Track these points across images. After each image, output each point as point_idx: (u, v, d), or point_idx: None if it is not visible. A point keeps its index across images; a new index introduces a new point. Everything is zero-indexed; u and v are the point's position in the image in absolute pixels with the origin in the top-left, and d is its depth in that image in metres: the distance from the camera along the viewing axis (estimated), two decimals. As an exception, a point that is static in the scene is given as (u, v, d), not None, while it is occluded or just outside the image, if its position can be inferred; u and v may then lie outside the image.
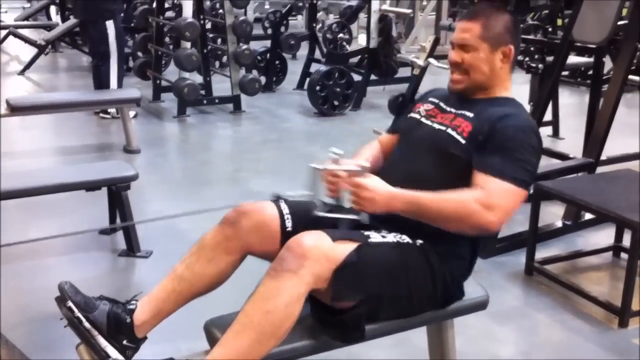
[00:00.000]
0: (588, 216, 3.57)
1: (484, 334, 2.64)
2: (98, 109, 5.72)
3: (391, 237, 1.83)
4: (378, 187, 1.79)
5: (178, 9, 6.73)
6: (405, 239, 1.85)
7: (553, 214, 3.71)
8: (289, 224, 1.94)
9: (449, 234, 1.84)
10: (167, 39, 7.08)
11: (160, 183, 4.37)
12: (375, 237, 1.81)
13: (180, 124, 5.96)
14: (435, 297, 1.88)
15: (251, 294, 1.68)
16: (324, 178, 1.90)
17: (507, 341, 2.64)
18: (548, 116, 5.33)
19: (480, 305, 2.09)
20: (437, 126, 1.97)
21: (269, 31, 8.24)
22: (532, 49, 4.81)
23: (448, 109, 2.01)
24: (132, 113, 5.85)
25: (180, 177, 4.60)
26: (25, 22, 9.77)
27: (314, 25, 7.11)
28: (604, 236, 3.49)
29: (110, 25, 5.50)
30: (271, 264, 1.71)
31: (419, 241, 1.86)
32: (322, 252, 1.68)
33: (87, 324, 1.82)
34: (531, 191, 3.18)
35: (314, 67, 6.74)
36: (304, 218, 1.93)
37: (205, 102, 6.25)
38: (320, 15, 8.57)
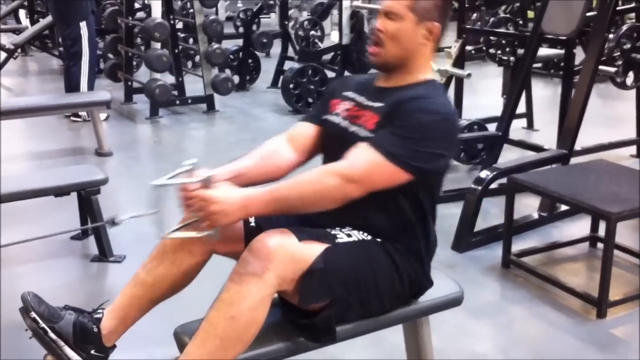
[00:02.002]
0: (564, 207, 3.57)
1: (460, 330, 2.62)
2: (68, 112, 5.62)
3: (356, 234, 1.78)
4: (227, 197, 1.64)
5: (148, 9, 6.64)
6: (368, 236, 1.80)
7: (529, 205, 3.71)
8: (251, 219, 1.88)
9: (402, 230, 1.80)
10: (138, 40, 7.00)
11: (133, 186, 4.29)
12: (341, 236, 1.75)
13: (152, 126, 5.88)
14: (404, 292, 1.85)
15: (215, 300, 1.64)
16: (178, 193, 1.72)
17: (484, 336, 2.62)
18: (522, 108, 5.35)
19: (455, 302, 2.06)
20: (352, 129, 1.85)
21: (241, 30, 8.16)
22: (503, 42, 4.81)
23: (366, 103, 1.88)
24: (103, 115, 5.78)
25: (153, 179, 4.52)
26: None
27: (286, 22, 7.06)
28: (580, 227, 3.48)
29: (83, 26, 5.42)
30: (234, 267, 1.66)
31: (378, 239, 1.81)
32: (287, 253, 1.62)
33: (52, 335, 1.78)
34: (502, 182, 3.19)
35: (288, 64, 6.70)
36: None
37: (178, 102, 6.17)
38: (292, 12, 8.51)
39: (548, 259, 3.25)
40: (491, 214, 3.67)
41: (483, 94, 6.50)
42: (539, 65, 6.45)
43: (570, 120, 3.54)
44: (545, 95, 6.72)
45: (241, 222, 1.87)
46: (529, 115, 5.43)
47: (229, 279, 1.64)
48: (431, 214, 1.88)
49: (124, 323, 1.87)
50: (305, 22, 6.35)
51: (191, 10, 6.81)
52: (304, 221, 1.84)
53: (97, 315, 1.85)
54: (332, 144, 1.91)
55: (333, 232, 1.77)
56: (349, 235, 1.77)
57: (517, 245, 3.24)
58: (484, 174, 3.33)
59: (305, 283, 1.65)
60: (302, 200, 1.68)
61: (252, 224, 1.88)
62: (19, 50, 8.54)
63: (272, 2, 7.03)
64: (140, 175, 4.58)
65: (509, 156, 4.40)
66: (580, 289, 2.84)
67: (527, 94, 5.25)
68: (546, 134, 4.93)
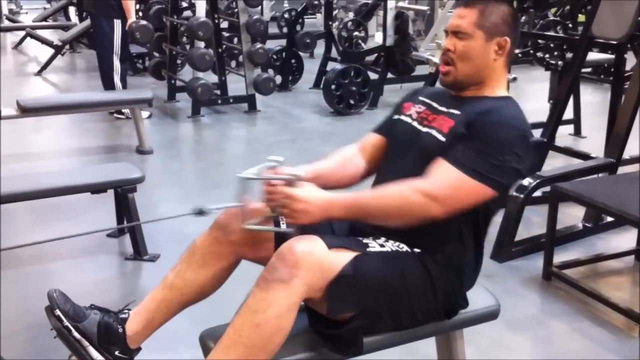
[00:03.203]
0: (609, 218, 3.44)
1: (496, 343, 2.53)
2: (111, 109, 5.69)
3: (390, 246, 1.73)
4: (311, 197, 1.67)
5: (194, 8, 6.68)
6: (404, 247, 1.75)
7: (573, 215, 3.59)
8: (283, 226, 1.82)
9: (447, 242, 1.75)
10: (184, 39, 7.05)
11: (171, 185, 4.31)
12: (373, 245, 1.71)
13: (194, 124, 5.91)
14: (437, 308, 1.78)
15: (240, 306, 1.60)
16: (263, 187, 1.75)
17: (521, 351, 2.52)
18: (570, 114, 5.21)
19: (491, 315, 1.99)
20: (425, 129, 1.84)
21: (285, 30, 8.14)
22: (551, 45, 4.68)
23: (440, 108, 1.87)
24: (146, 113, 5.85)
25: (192, 178, 4.54)
26: (43, 23, 9.81)
27: (331, 23, 7.01)
28: (626, 239, 3.35)
29: (117, 24, 5.48)
30: (261, 273, 1.62)
31: (417, 250, 1.76)
32: (316, 260, 1.58)
33: (76, 334, 1.76)
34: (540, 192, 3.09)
35: (331, 65, 6.66)
36: None
37: (219, 101, 6.19)
38: (338, 13, 8.47)
39: (591, 272, 3.13)
40: (534, 223, 3.56)
41: (530, 99, 6.34)
42: (588, 70, 6.29)
43: (618, 127, 3.40)
44: (594, 101, 6.53)
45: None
46: (576, 121, 5.28)
47: (256, 285, 1.60)
48: (484, 231, 1.84)
49: (150, 325, 1.84)
50: (349, 23, 6.29)
51: (236, 10, 6.83)
52: (342, 229, 1.81)
53: (123, 316, 1.83)
54: (399, 143, 1.91)
55: (365, 240, 1.73)
56: (382, 246, 1.72)
57: (560, 257, 3.13)
58: (527, 181, 3.22)
59: (333, 290, 1.60)
60: (384, 211, 1.68)
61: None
62: (67, 47, 8.73)
63: (316, 2, 6.98)
64: (179, 174, 4.60)
65: (554, 163, 4.28)
66: (623, 304, 2.72)
67: (575, 99, 5.09)
68: (594, 142, 4.78)
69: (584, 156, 4.05)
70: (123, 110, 5.76)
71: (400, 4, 6.14)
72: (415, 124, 1.88)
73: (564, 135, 5.22)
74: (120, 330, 1.80)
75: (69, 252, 3.28)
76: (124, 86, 5.72)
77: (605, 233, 3.49)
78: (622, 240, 3.38)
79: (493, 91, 1.85)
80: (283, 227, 1.70)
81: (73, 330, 1.75)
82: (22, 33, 9.53)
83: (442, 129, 1.78)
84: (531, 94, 6.54)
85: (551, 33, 5.05)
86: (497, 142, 1.68)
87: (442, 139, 1.76)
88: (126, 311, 1.85)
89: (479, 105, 1.78)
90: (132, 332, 1.81)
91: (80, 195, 3.29)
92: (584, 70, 6.09)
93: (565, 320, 2.71)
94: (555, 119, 3.81)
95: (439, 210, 1.66)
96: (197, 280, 1.84)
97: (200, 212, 1.80)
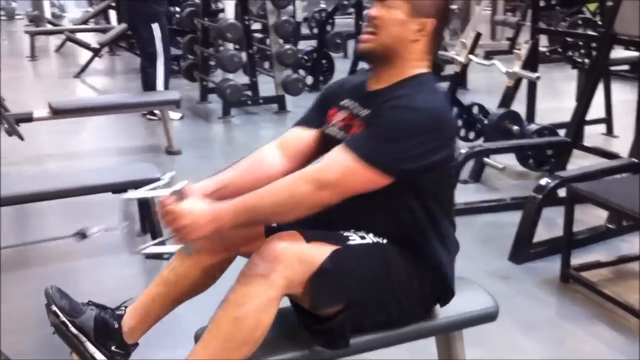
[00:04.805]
0: (634, 220, 3.36)
1: (506, 344, 2.50)
2: (145, 110, 5.78)
3: (371, 238, 1.72)
4: (195, 210, 1.60)
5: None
6: (384, 240, 1.74)
7: (597, 216, 3.51)
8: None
9: (411, 232, 1.73)
10: (220, 41, 7.11)
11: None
12: (354, 238, 1.70)
13: (224, 125, 5.97)
14: (424, 295, 1.76)
15: (222, 301, 1.62)
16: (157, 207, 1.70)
17: (531, 353, 2.49)
18: (601, 113, 5.11)
19: (489, 317, 1.97)
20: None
21: (316, 31, 8.15)
22: (580, 43, 4.60)
23: (356, 111, 1.79)
24: (178, 115, 5.93)
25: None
26: (81, 26, 10.02)
27: (361, 23, 7.00)
28: (651, 241, 3.27)
29: (155, 27, 5.56)
30: (242, 269, 1.64)
31: (396, 244, 1.74)
32: (295, 255, 1.59)
33: (73, 329, 1.80)
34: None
35: (361, 66, 6.64)
36: None
37: (249, 102, 6.24)
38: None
39: (612, 275, 3.06)
40: (557, 224, 3.49)
41: (561, 98, 6.23)
42: (625, 68, 6.15)
43: (642, 127, 3.32)
44: (629, 99, 6.36)
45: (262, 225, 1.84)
46: (608, 120, 5.16)
47: (236, 281, 1.63)
48: (445, 217, 1.79)
49: (146, 321, 1.87)
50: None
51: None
52: (321, 223, 1.77)
53: (119, 312, 1.87)
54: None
55: (346, 234, 1.72)
56: (362, 238, 1.71)
57: (581, 259, 3.08)
58: (545, 181, 3.17)
59: (314, 285, 1.61)
60: (273, 208, 1.63)
61: (274, 224, 1.84)
62: (107, 49, 8.91)
63: (346, 2, 6.97)
64: (204, 174, 4.59)
65: (582, 163, 4.20)
66: (641, 308, 2.66)
67: (606, 98, 4.99)
68: (626, 141, 4.67)
69: (613, 156, 3.98)
70: (155, 112, 5.85)
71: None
72: (341, 135, 1.79)
73: (595, 134, 5.11)
74: (117, 326, 1.84)
75: (94, 250, 3.34)
76: (166, 89, 5.79)
77: (629, 235, 3.40)
78: (647, 242, 3.29)
79: (404, 73, 1.74)
80: (178, 246, 1.65)
81: (70, 325, 1.79)
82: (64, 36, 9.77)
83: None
84: (564, 93, 6.43)
85: (579, 31, 4.93)
86: (394, 126, 1.61)
87: None
88: (122, 308, 1.89)
89: (386, 95, 1.70)
90: (128, 327, 1.85)
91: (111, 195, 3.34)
92: (619, 68, 5.98)
93: (580, 323, 2.66)
94: (579, 118, 3.73)
95: (330, 197, 1.61)
96: (190, 276, 1.86)
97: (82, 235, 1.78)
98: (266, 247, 1.61)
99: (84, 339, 1.80)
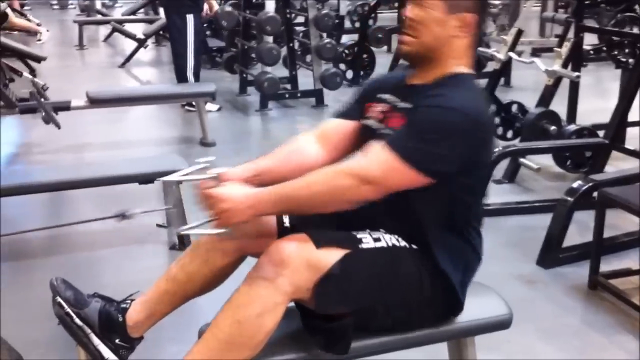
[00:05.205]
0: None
1: (525, 350, 2.43)
2: (180, 102, 5.82)
3: (386, 240, 1.68)
4: (235, 195, 1.60)
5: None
6: (402, 242, 1.70)
7: (633, 221, 3.38)
8: (286, 220, 1.82)
9: (443, 238, 1.69)
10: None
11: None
12: (367, 241, 1.66)
13: (261, 118, 5.97)
14: (435, 302, 1.72)
15: (226, 301, 1.60)
16: (195, 190, 1.70)
17: (549, 360, 2.41)
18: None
19: (502, 324, 1.91)
20: (387, 131, 1.73)
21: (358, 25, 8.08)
22: (625, 42, 4.44)
23: (396, 104, 1.76)
24: (216, 106, 5.96)
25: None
26: (127, 17, 10.17)
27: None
28: (688, 250, 3.14)
29: (190, 18, 5.59)
30: (249, 271, 1.62)
31: (414, 246, 1.70)
32: (303, 260, 1.56)
33: (78, 321, 1.81)
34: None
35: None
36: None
37: (287, 95, 6.23)
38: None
39: (643, 283, 2.95)
40: (591, 228, 3.37)
41: (608, 98, 6.04)
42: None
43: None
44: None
45: (274, 223, 1.82)
46: (654, 122, 4.97)
47: (243, 281, 1.61)
48: (473, 223, 1.75)
49: (152, 316, 1.87)
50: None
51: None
52: (341, 222, 1.75)
53: (124, 305, 1.86)
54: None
55: (359, 235, 1.68)
56: (377, 240, 1.67)
57: (612, 265, 2.98)
58: (577, 184, 3.07)
59: (320, 290, 1.58)
60: (312, 200, 1.61)
61: (287, 224, 1.82)
62: (153, 40, 9.01)
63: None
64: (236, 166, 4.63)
65: (624, 166, 4.06)
66: (671, 319, 2.56)
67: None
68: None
69: (655, 160, 3.83)
70: (193, 103, 5.89)
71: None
72: (378, 126, 1.79)
73: (635, 137, 4.94)
74: (121, 319, 1.83)
75: (121, 239, 3.39)
76: (197, 80, 5.84)
77: (665, 242, 3.28)
78: (684, 250, 3.16)
79: (446, 70, 1.70)
80: (219, 230, 1.65)
81: (75, 316, 1.80)
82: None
83: (395, 128, 1.69)
84: (607, 93, 6.23)
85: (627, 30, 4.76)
86: (433, 127, 1.58)
87: None
88: (128, 301, 1.88)
89: (428, 91, 1.67)
90: (132, 322, 1.85)
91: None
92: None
93: (604, 332, 2.57)
94: (618, 119, 3.60)
95: (372, 193, 1.58)
96: (199, 274, 1.85)
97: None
98: (274, 249, 1.58)
99: (88, 331, 1.81)
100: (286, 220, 1.83)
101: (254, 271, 1.59)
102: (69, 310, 1.80)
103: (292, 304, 1.71)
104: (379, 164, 1.58)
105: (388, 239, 1.69)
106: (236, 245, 1.84)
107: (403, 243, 1.70)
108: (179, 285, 1.86)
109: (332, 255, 1.60)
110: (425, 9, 1.66)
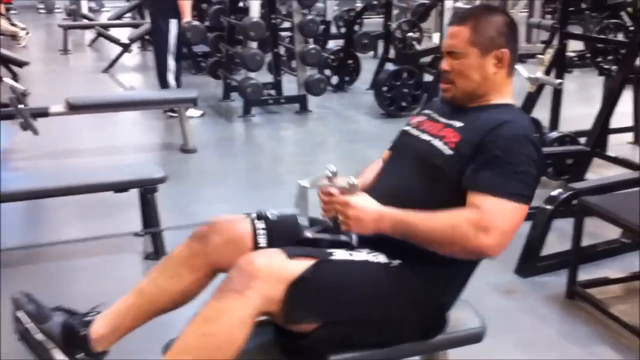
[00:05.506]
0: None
1: (501, 363, 2.40)
2: (161, 108, 5.78)
3: (361, 256, 1.68)
4: (366, 206, 1.66)
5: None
6: (380, 258, 1.69)
7: (613, 229, 3.36)
8: (262, 240, 1.82)
9: (432, 254, 1.66)
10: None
11: (207, 184, 4.34)
12: (340, 254, 1.66)
13: (244, 124, 5.93)
14: (414, 325, 1.70)
15: (194, 315, 1.57)
16: (319, 196, 1.78)
17: (525, 373, 2.38)
18: (628, 121, 4.93)
19: (474, 338, 1.88)
20: (423, 137, 1.81)
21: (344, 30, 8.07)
22: (609, 49, 4.43)
23: (439, 119, 1.84)
24: (198, 112, 5.92)
25: (229, 178, 4.53)
26: (114, 22, 10.11)
27: (389, 23, 6.89)
28: (667, 258, 3.12)
29: (174, 23, 5.55)
30: (218, 284, 1.58)
31: (396, 262, 1.69)
32: (273, 271, 1.55)
33: (40, 336, 1.77)
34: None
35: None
36: (284, 234, 1.81)
37: (271, 101, 6.19)
38: (397, 13, 8.36)
39: (621, 292, 2.93)
40: (570, 237, 3.36)
41: (593, 104, 6.03)
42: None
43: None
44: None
45: (250, 242, 1.81)
46: (636, 129, 4.97)
47: (211, 296, 1.58)
48: None
49: (117, 330, 1.82)
50: (403, 24, 6.18)
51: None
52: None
53: (88, 319, 1.82)
54: (398, 149, 1.92)
55: (331, 250, 1.69)
56: (350, 255, 1.68)
57: (592, 274, 2.96)
58: (557, 192, 3.05)
59: (291, 295, 1.55)
60: (430, 235, 1.62)
61: (261, 244, 1.81)
62: (138, 45, 8.96)
63: (375, 2, 6.88)
64: (218, 174, 4.60)
65: (607, 173, 4.05)
66: (647, 329, 2.53)
67: (635, 105, 4.81)
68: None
69: (637, 167, 3.82)
70: (175, 109, 5.85)
71: (458, 4, 5.98)
72: (414, 131, 1.87)
73: (622, 143, 4.94)
74: (84, 333, 1.79)
75: (96, 249, 3.34)
76: (178, 85, 5.81)
77: (644, 250, 3.26)
78: (663, 259, 3.14)
79: (496, 100, 1.81)
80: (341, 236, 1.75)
81: (35, 331, 1.76)
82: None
83: (447, 141, 1.74)
84: (592, 100, 6.23)
85: (611, 37, 4.75)
86: (518, 157, 1.65)
87: (449, 152, 1.72)
88: (93, 314, 1.84)
89: (482, 118, 1.74)
90: (97, 335, 1.80)
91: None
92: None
93: (581, 343, 2.54)
94: (600, 127, 3.59)
95: (490, 242, 1.59)
96: (169, 289, 1.82)
97: (258, 216, 1.84)
98: (244, 261, 1.57)
99: (50, 345, 1.77)
100: (261, 240, 1.82)
101: (223, 284, 1.57)
102: (27, 325, 1.76)
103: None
104: (495, 212, 1.60)
105: (363, 255, 1.69)
106: (209, 262, 1.81)
107: (381, 259, 1.69)
108: (147, 299, 1.83)
109: (303, 265, 1.59)
110: (461, 59, 1.75)
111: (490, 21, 1.76)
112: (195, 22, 5.81)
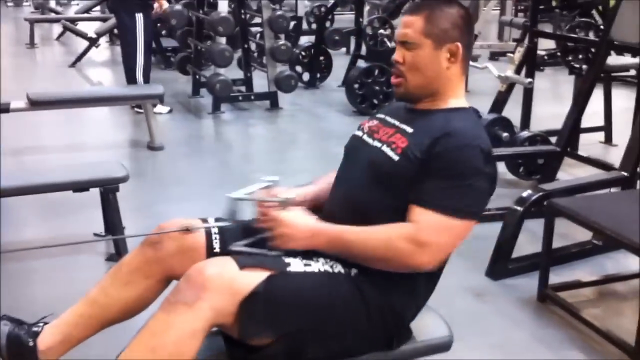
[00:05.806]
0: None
1: (471, 368, 2.34)
2: (126, 104, 5.65)
3: (317, 266, 1.60)
4: (298, 223, 1.62)
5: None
6: (338, 267, 1.61)
7: (585, 231, 3.32)
8: (216, 245, 1.75)
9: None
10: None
11: (173, 183, 4.23)
12: (296, 265, 1.58)
13: (214, 121, 5.83)
14: (376, 335, 1.64)
15: (141, 327, 1.48)
16: (256, 208, 1.71)
17: (496, 379, 2.33)
18: (600, 121, 4.93)
19: (442, 347, 1.82)
20: (374, 144, 1.73)
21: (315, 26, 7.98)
22: (579, 48, 4.41)
23: (392, 122, 1.75)
24: (166, 108, 5.80)
25: (196, 177, 4.42)
26: (81, 15, 9.93)
27: (361, 20, 6.83)
28: (637, 260, 3.08)
29: (139, 18, 5.42)
30: (167, 295, 1.50)
31: (354, 270, 1.62)
32: (224, 282, 1.47)
33: (-19, 348, 1.66)
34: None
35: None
36: (236, 239, 1.73)
37: (240, 98, 6.09)
38: (369, 10, 8.31)
39: (593, 295, 2.89)
40: (539, 238, 3.32)
41: (566, 103, 6.03)
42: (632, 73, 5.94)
43: (634, 137, 3.14)
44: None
45: (204, 247, 1.75)
46: (607, 128, 4.96)
47: (159, 308, 1.49)
48: None
49: (67, 341, 1.73)
50: (374, 21, 6.11)
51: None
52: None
53: (36, 329, 1.73)
54: (347, 155, 1.85)
55: (288, 260, 1.60)
56: (306, 265, 1.60)
57: (563, 276, 2.92)
58: (527, 193, 3.00)
59: (244, 310, 1.48)
60: (367, 252, 1.58)
61: (216, 249, 1.74)
62: (107, 39, 8.79)
63: (346, -2, 6.81)
64: (183, 172, 4.48)
65: (578, 173, 4.03)
66: (620, 333, 2.48)
67: (606, 105, 4.81)
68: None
69: (608, 167, 3.80)
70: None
71: (430, 1, 5.91)
72: (365, 137, 1.79)
73: (593, 142, 4.93)
74: (31, 344, 1.69)
75: (55, 250, 3.21)
76: (147, 81, 5.68)
77: (616, 252, 3.22)
78: (633, 261, 3.11)
79: (447, 102, 1.72)
80: (272, 252, 1.64)
81: (-22, 343, 1.65)
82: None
83: (395, 147, 1.66)
84: (565, 98, 6.23)
85: (581, 35, 4.72)
86: (464, 169, 1.58)
87: (395, 158, 1.65)
88: (41, 324, 1.75)
89: (432, 123, 1.66)
90: (45, 346, 1.71)
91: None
92: (626, 74, 5.77)
93: (553, 347, 2.49)
94: (570, 126, 3.55)
95: (424, 259, 1.56)
96: (121, 298, 1.74)
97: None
98: (194, 271, 1.49)
99: (-5, 357, 1.67)
100: (216, 246, 1.75)
101: (172, 295, 1.49)
102: (-29, 336, 1.65)
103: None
104: (433, 227, 1.55)
105: (320, 265, 1.61)
106: (162, 269, 1.74)
107: (339, 269, 1.62)
108: (97, 309, 1.75)
109: (256, 277, 1.51)
110: (414, 50, 1.67)
111: (446, 12, 1.68)
112: (178, 6, 5.67)
